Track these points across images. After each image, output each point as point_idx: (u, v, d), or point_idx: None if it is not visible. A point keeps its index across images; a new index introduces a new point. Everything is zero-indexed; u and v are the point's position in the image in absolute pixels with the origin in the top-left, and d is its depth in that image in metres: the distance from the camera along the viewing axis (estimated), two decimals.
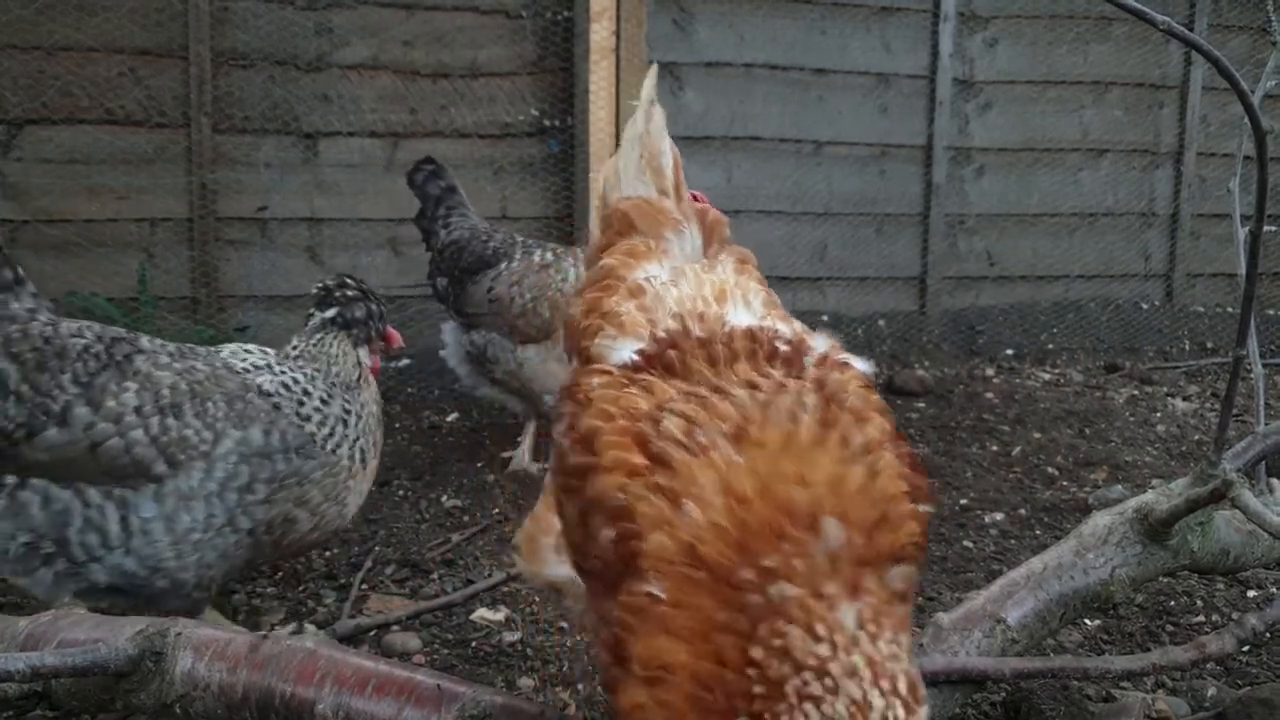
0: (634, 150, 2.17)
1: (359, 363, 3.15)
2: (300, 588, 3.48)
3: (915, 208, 7.05)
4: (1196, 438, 5.20)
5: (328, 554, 3.72)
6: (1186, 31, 2.27)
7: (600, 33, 5.71)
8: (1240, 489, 2.47)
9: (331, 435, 2.98)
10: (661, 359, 1.68)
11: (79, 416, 2.64)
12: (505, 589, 3.45)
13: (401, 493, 4.31)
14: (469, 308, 4.55)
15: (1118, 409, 5.70)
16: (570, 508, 1.61)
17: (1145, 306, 7.61)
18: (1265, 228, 2.48)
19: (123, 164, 5.39)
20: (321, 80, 5.69)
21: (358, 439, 3.04)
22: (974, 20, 7.06)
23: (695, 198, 2.18)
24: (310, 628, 3.03)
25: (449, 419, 5.25)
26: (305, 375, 3.03)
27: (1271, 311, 7.64)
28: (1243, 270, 2.86)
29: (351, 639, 3.01)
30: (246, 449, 2.76)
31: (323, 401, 3.00)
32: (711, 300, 1.85)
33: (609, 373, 1.70)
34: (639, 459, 1.48)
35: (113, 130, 5.37)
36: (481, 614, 3.27)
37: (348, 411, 3.04)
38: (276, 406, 2.90)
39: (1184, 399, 6.04)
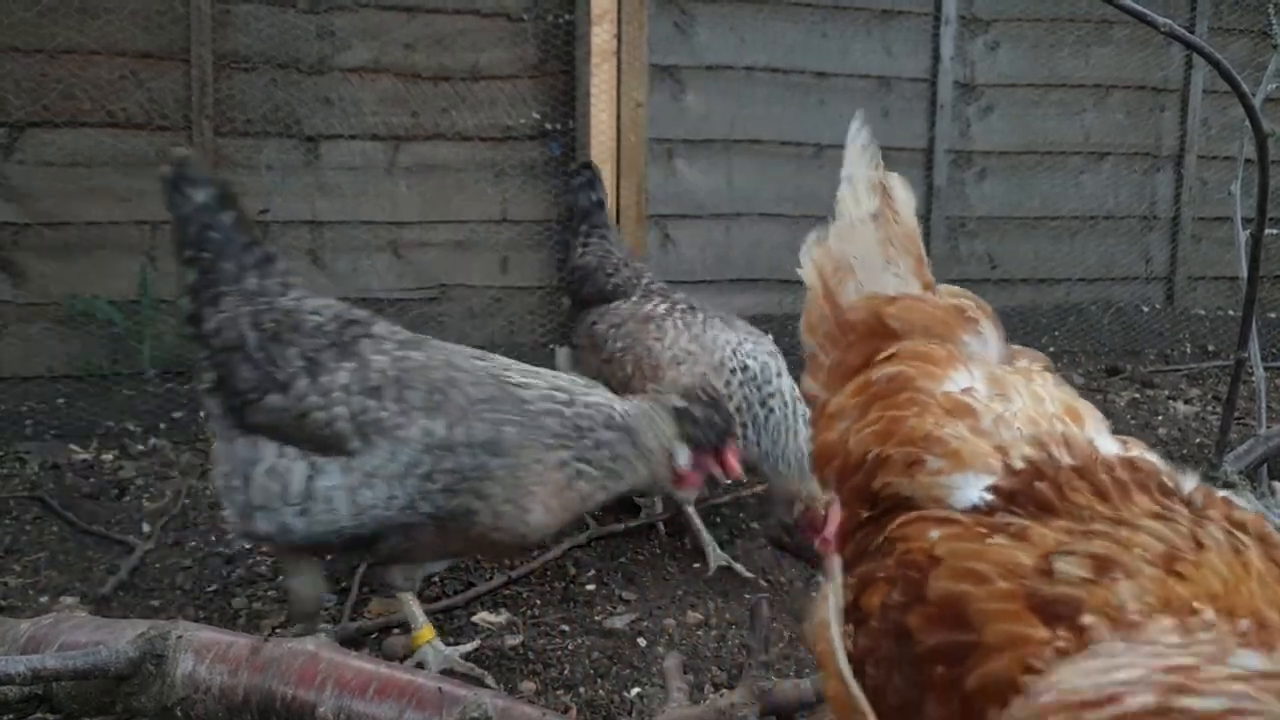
0: (869, 231, 1.80)
1: (667, 446, 2.93)
2: None
3: (916, 210, 7.04)
4: (1198, 440, 5.19)
5: (328, 557, 3.72)
6: (1188, 34, 2.28)
7: (602, 35, 5.71)
8: (1242, 491, 2.47)
9: (535, 433, 2.84)
10: (1030, 493, 1.33)
11: (298, 387, 2.82)
12: (506, 592, 3.45)
13: None
14: (575, 337, 4.32)
15: (1119, 412, 5.69)
16: (933, 705, 1.23)
17: (1146, 309, 7.60)
18: (1266, 231, 2.49)
19: (124, 166, 5.39)
20: (323, 83, 5.69)
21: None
22: (975, 23, 7.06)
23: None
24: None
25: None
26: (594, 389, 2.98)
27: (1272, 314, 7.63)
28: (1244, 273, 2.86)
29: (353, 642, 3.01)
30: (431, 439, 2.78)
31: (566, 404, 2.87)
32: (1066, 420, 1.48)
33: (953, 521, 1.35)
34: (1041, 630, 1.14)
35: (114, 133, 5.37)
36: (483, 617, 3.27)
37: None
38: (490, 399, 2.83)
39: (1185, 402, 6.04)
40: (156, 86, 5.41)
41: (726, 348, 3.71)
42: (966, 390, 1.51)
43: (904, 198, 1.81)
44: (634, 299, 4.11)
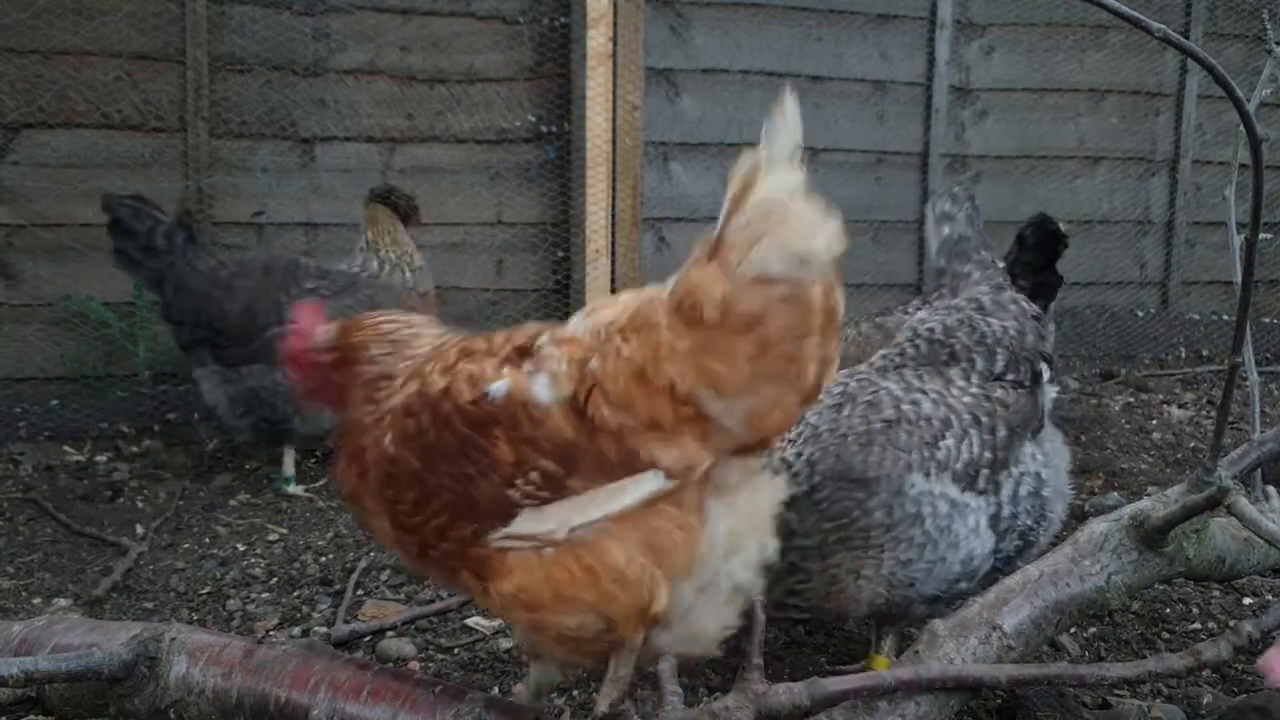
0: None
1: None
2: (295, 593, 3.48)
3: (911, 215, 7.05)
4: (1192, 445, 5.20)
5: (322, 560, 3.72)
6: (1182, 39, 2.28)
7: (597, 39, 5.71)
8: (1236, 496, 2.48)
9: None
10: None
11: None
12: None
13: None
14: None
15: (1113, 416, 5.70)
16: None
17: (1141, 314, 7.61)
18: (1261, 235, 2.49)
19: (119, 168, 5.38)
20: (318, 85, 5.69)
21: None
22: (970, 28, 7.07)
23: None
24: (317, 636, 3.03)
25: None
26: None
27: (1267, 319, 7.65)
28: (1238, 278, 2.87)
29: (346, 644, 3.01)
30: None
31: None
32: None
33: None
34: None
35: (109, 134, 5.37)
36: (476, 620, 3.26)
37: None
38: None
39: (1180, 406, 6.05)
40: (151, 88, 5.41)
41: None
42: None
43: None
44: None
